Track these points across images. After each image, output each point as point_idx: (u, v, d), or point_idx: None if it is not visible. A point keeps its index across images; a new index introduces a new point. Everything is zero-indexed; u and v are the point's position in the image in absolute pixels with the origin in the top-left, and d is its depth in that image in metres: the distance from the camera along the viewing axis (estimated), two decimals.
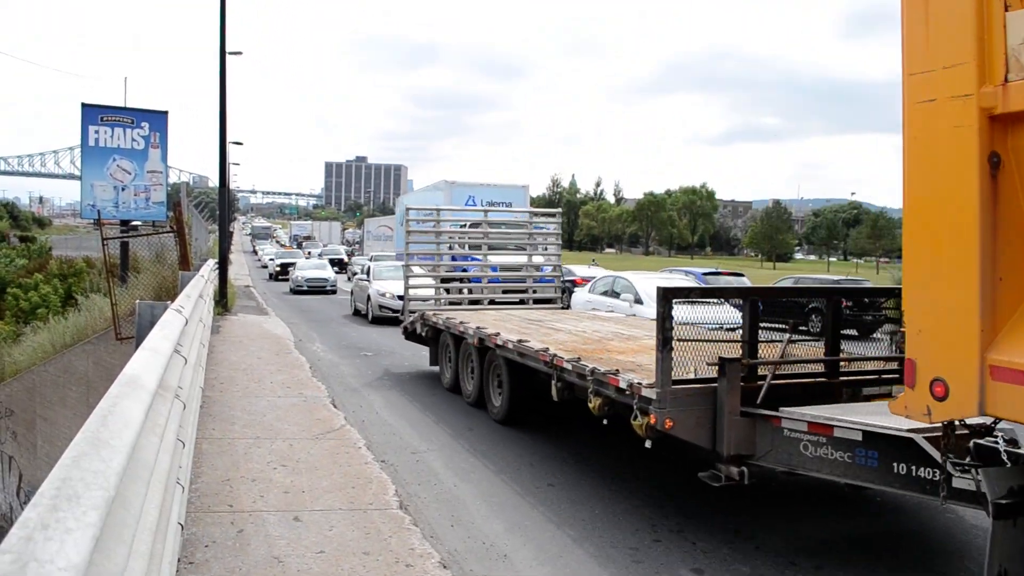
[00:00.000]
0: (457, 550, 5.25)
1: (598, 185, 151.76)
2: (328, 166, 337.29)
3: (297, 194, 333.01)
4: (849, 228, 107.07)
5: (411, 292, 12.35)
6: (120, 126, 21.14)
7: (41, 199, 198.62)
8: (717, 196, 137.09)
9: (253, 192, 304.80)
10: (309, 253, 56.51)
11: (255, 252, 76.06)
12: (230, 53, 21.53)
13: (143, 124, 21.36)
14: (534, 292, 13.45)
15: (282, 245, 78.62)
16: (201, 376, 8.55)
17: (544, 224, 14.76)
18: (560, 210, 14.68)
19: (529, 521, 5.88)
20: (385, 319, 19.13)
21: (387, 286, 19.65)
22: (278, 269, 42.62)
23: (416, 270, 13.36)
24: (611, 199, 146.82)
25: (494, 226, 14.62)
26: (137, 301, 6.03)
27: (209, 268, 17.23)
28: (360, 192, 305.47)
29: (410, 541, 5.14)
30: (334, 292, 31.72)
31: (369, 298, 20.44)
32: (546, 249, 14.17)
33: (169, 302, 6.56)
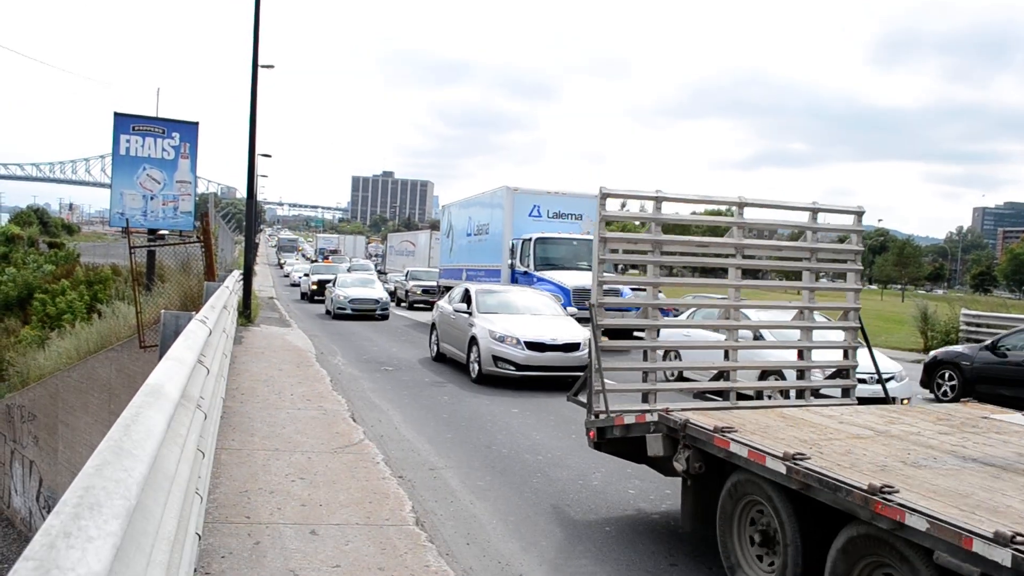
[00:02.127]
0: (472, 568, 5.24)
1: (623, 206, 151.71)
2: (355, 180, 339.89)
3: (324, 207, 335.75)
4: (875, 255, 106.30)
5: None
6: (151, 136, 21.45)
7: (71, 206, 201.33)
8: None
9: (280, 204, 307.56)
10: (351, 262, 51.73)
11: (280, 265, 76.38)
12: (262, 66, 21.80)
13: (174, 134, 21.66)
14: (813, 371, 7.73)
15: (309, 259, 78.48)
16: (223, 387, 8.61)
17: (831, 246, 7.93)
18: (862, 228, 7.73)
19: (545, 541, 5.86)
20: (504, 379, 12.92)
21: (506, 326, 13.29)
22: (314, 287, 35.24)
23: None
24: (636, 221, 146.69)
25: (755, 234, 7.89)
26: (162, 311, 6.10)
27: (234, 279, 17.37)
28: (386, 207, 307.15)
29: (425, 558, 5.14)
30: (385, 317, 26.31)
31: (474, 343, 13.44)
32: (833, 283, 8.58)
33: (194, 312, 6.63)
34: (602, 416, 6.49)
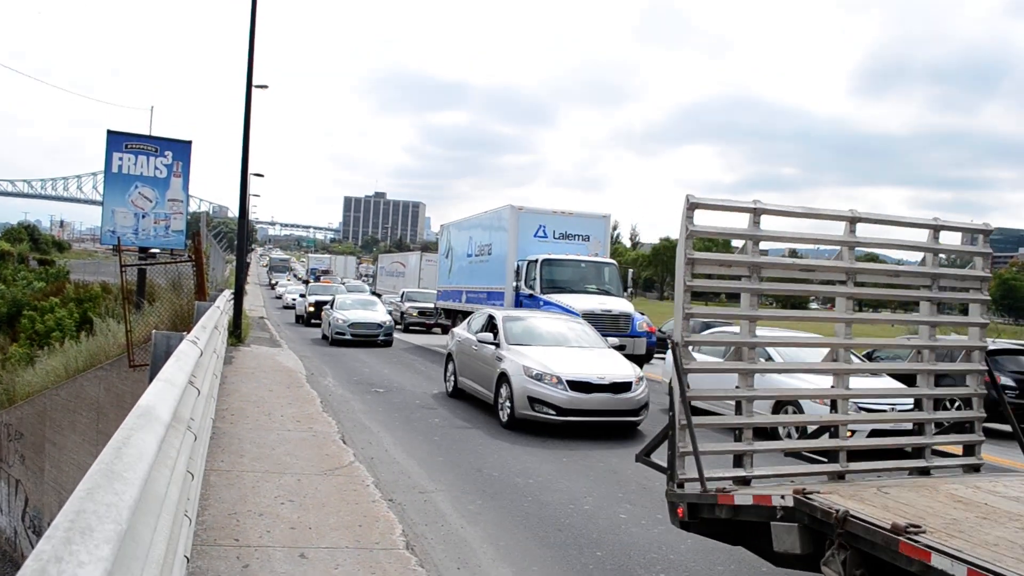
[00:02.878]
0: None
1: (615, 229, 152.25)
2: (347, 200, 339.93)
3: (315, 227, 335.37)
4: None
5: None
6: (144, 154, 21.47)
7: (62, 223, 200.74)
8: (733, 244, 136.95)
9: (272, 224, 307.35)
10: (344, 284, 49.12)
11: (271, 285, 75.97)
12: (256, 86, 21.84)
13: (167, 153, 21.71)
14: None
15: (301, 279, 77.82)
16: (213, 407, 8.57)
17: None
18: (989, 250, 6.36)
19: (537, 566, 5.82)
20: (545, 425, 10.94)
21: (543, 360, 11.19)
22: (311, 309, 32.51)
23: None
24: (627, 243, 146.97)
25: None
26: (153, 331, 6.07)
27: (225, 299, 17.31)
28: (378, 227, 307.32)
29: None
30: (388, 343, 24.30)
31: (504, 381, 11.30)
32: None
33: (185, 333, 6.60)
34: (692, 488, 5.06)
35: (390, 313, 29.82)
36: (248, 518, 6.15)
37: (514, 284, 19.70)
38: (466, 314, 23.34)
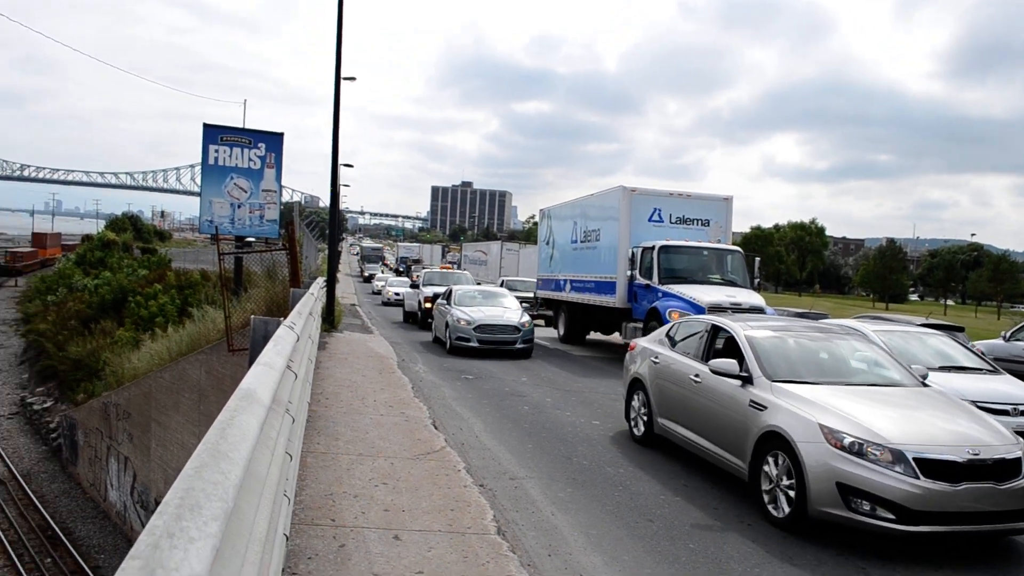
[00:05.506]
0: None
1: None
2: (434, 190, 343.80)
3: (404, 216, 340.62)
4: (968, 271, 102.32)
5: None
6: (238, 146, 22.14)
7: (163, 213, 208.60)
8: (827, 233, 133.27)
9: (362, 213, 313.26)
10: (452, 266, 45.89)
11: (363, 274, 76.94)
12: (344, 79, 22.18)
13: (260, 145, 22.34)
14: None
15: (396, 270, 77.93)
16: (308, 391, 8.77)
17: None
18: None
19: (628, 556, 5.77)
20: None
21: (855, 413, 6.56)
22: (427, 305, 24.51)
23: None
24: None
25: None
26: (252, 316, 6.23)
27: (318, 286, 17.70)
28: (465, 217, 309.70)
29: (507, 568, 5.11)
30: (528, 352, 18.23)
31: (780, 447, 6.63)
32: None
33: (282, 318, 6.76)
34: None
35: None
36: (344, 499, 6.27)
37: (627, 273, 18.29)
38: (571, 305, 22.20)
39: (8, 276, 70.73)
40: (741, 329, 8.23)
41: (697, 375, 8.22)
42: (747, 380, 7.42)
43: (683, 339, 9.22)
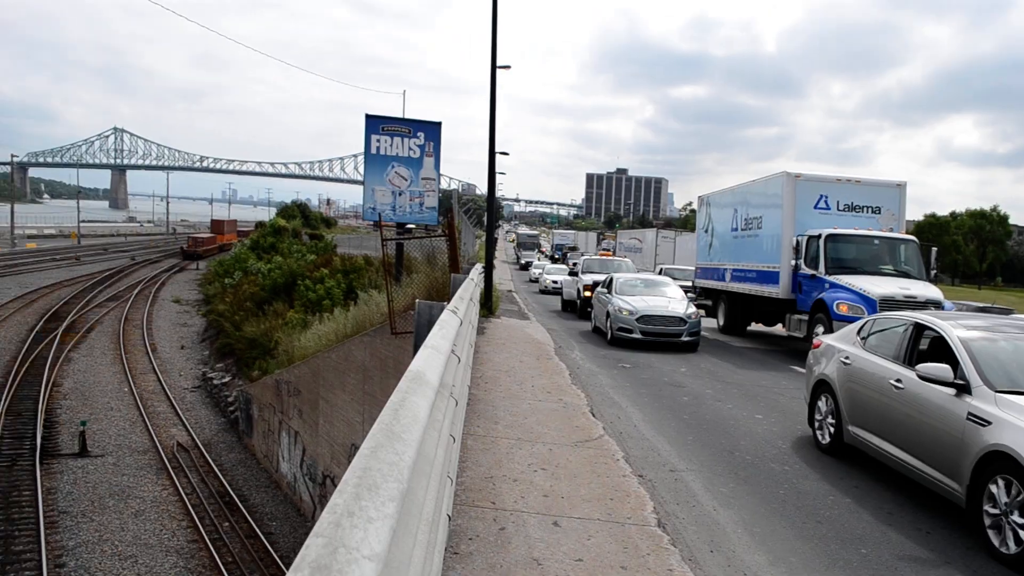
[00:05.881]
0: None
1: None
2: (589, 177, 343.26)
3: (559, 203, 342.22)
4: None
5: None
6: (399, 136, 22.87)
7: (328, 201, 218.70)
8: (1011, 221, 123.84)
9: (517, 200, 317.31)
10: (610, 253, 45.41)
11: (519, 261, 77.84)
12: (499, 67, 22.37)
13: (419, 134, 23.00)
14: None
15: (552, 257, 78.24)
16: (468, 375, 8.91)
17: None
18: None
19: (795, 557, 5.53)
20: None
21: None
22: (586, 293, 24.27)
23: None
24: None
25: None
26: (417, 300, 6.37)
27: (477, 272, 18.00)
28: (620, 204, 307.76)
29: (668, 562, 5.00)
30: (694, 345, 17.25)
31: (1002, 468, 5.65)
32: None
33: (445, 303, 6.87)
34: None
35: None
36: (503, 483, 6.32)
37: (791, 262, 17.56)
38: (731, 295, 21.59)
39: (190, 260, 76.23)
40: (952, 328, 7.11)
41: (898, 380, 7.22)
42: (963, 389, 6.39)
43: (878, 338, 8.20)
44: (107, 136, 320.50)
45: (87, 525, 17.81)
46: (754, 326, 22.18)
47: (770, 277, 18.53)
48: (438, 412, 3.83)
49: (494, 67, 21.94)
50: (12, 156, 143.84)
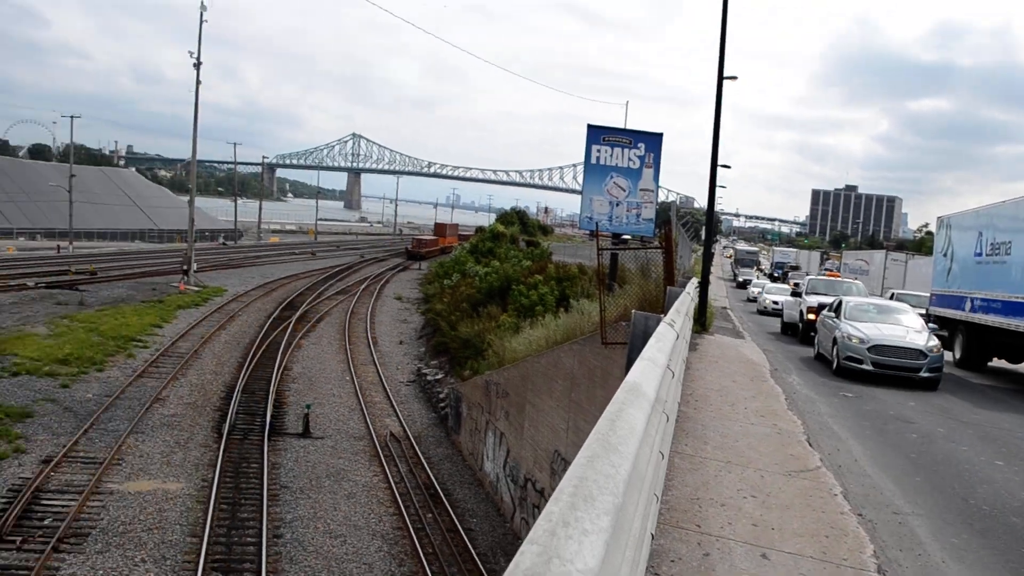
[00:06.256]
0: None
1: None
2: (815, 194, 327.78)
3: (780, 220, 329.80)
4: None
5: None
6: (619, 146, 22.85)
7: (546, 209, 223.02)
8: None
9: (736, 215, 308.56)
10: (837, 274, 43.05)
11: (735, 278, 75.63)
12: (726, 78, 21.78)
13: (639, 145, 22.87)
14: None
15: (771, 276, 75.30)
16: (679, 391, 8.70)
17: None
18: None
19: None
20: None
21: None
22: (810, 316, 22.73)
23: None
24: None
25: None
26: (633, 311, 6.29)
27: (692, 286, 17.65)
28: (847, 223, 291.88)
29: None
30: (935, 383, 15.32)
31: None
32: None
33: (661, 315, 6.74)
34: None
35: None
36: (710, 506, 6.09)
37: None
38: (970, 326, 19.67)
39: (413, 260, 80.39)
40: None
41: None
42: None
43: None
44: (346, 141, 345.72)
45: (304, 501, 19.08)
46: (996, 362, 20.22)
47: (1018, 309, 16.76)
48: (651, 426, 3.74)
49: (720, 78, 21.41)
50: (263, 157, 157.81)
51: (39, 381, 26.00)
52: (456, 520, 18.73)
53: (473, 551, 17.10)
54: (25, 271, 47.86)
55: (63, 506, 17.39)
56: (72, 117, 79.97)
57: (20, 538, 15.76)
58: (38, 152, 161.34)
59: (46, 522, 16.60)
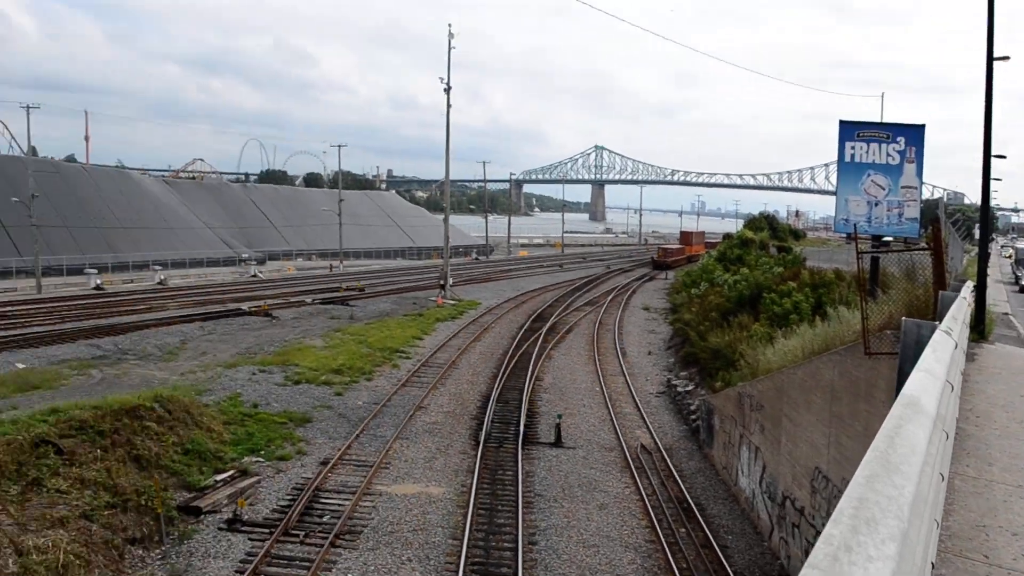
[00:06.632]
0: None
1: None
2: None
3: None
4: None
5: None
6: (876, 141, 21.46)
7: (797, 212, 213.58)
8: None
9: (1015, 210, 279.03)
10: None
11: (1017, 281, 68.22)
12: (996, 59, 19.70)
13: (899, 139, 21.35)
14: None
15: None
16: (957, 406, 7.98)
17: None
18: None
19: None
20: None
21: None
22: None
23: None
24: None
25: None
26: (904, 319, 5.84)
27: (968, 290, 16.17)
28: None
29: None
30: None
31: None
32: None
33: (934, 322, 6.22)
34: None
35: None
36: (998, 534, 5.50)
37: None
38: None
39: (660, 269, 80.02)
40: None
41: None
42: None
43: None
44: (589, 154, 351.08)
45: (557, 510, 19.46)
46: None
47: None
48: (932, 445, 3.45)
49: (990, 59, 19.46)
50: (511, 174, 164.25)
51: (316, 389, 28.60)
52: (710, 536, 18.30)
53: (729, 569, 16.63)
54: (304, 288, 52.93)
55: (339, 505, 18.96)
56: (339, 146, 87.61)
57: (303, 532, 17.37)
58: (312, 180, 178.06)
59: (324, 519, 18.16)
